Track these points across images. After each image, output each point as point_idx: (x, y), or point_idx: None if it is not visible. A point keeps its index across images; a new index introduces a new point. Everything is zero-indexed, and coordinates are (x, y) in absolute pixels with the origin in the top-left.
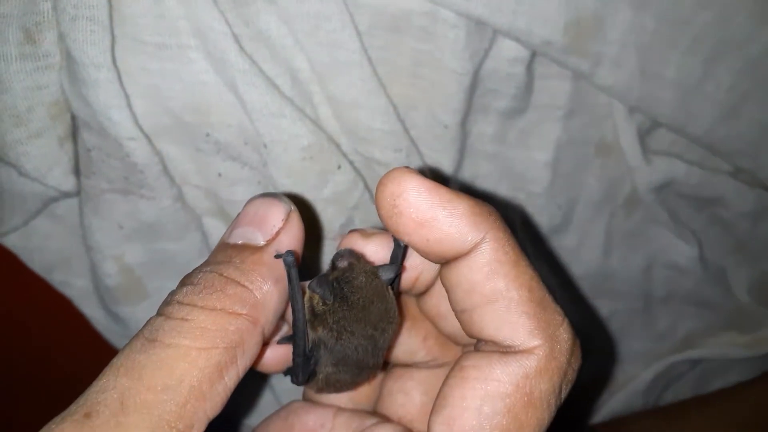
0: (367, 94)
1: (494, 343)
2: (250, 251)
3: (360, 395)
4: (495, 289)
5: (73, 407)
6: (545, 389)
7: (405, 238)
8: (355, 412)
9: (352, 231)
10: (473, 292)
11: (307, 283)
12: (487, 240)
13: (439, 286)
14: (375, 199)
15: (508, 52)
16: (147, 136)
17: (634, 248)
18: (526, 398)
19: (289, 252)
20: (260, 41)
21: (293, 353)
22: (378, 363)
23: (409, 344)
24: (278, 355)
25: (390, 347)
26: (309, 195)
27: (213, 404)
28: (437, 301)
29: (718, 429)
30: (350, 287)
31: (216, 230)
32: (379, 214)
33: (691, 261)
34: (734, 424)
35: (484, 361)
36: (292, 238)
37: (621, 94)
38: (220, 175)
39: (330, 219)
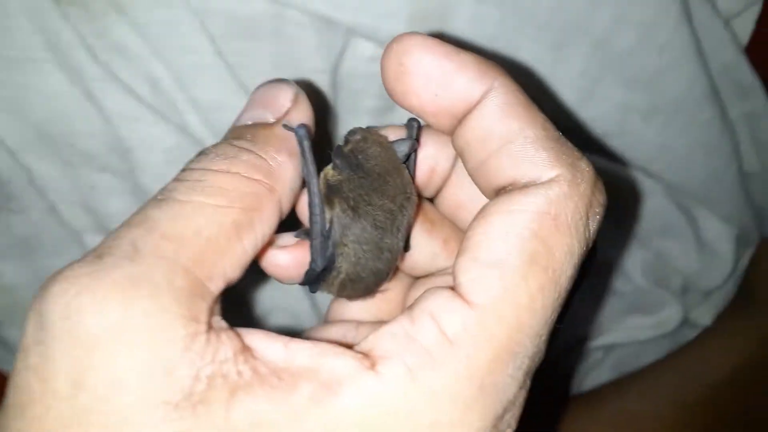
0: (230, 95)
1: (514, 183)
2: (262, 127)
3: (381, 309)
4: (510, 129)
5: (84, 254)
6: (571, 213)
7: (413, 100)
8: (377, 323)
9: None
10: (488, 138)
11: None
12: (496, 86)
13: (455, 176)
14: (381, 66)
15: (364, 51)
16: (11, 150)
17: None
18: (552, 221)
19: (302, 124)
20: (115, 52)
21: (311, 236)
22: (397, 245)
23: (431, 248)
24: (293, 259)
25: (408, 232)
26: None
27: (232, 265)
28: (455, 190)
29: (638, 412)
30: (365, 156)
31: None
32: (384, 81)
33: None
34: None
35: (504, 199)
36: (302, 116)
37: None
38: (92, 187)
39: None
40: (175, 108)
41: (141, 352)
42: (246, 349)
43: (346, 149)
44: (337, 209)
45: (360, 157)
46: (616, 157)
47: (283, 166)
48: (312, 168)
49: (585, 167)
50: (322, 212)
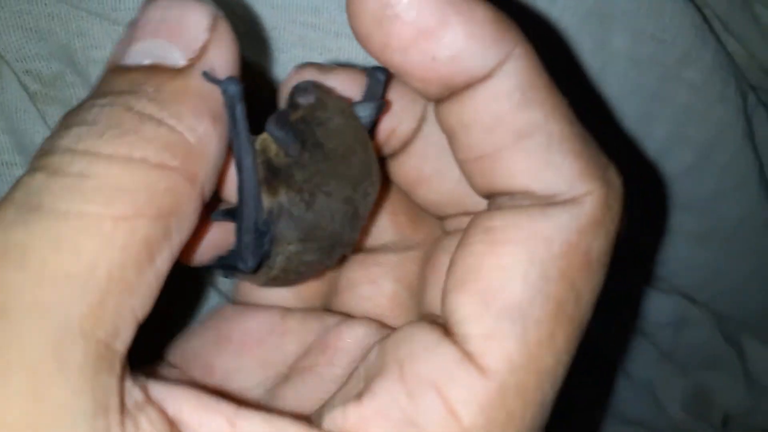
0: None
1: (528, 194)
2: (168, 75)
3: (308, 290)
4: (530, 120)
5: None
6: (602, 246)
7: (396, 57)
8: (308, 311)
9: (303, 65)
10: (498, 127)
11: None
12: (515, 56)
13: (419, 142)
14: (354, 15)
15: None
16: None
17: None
18: (582, 258)
19: (231, 77)
20: None
21: (238, 229)
22: (354, 239)
23: (379, 222)
24: (210, 239)
25: (369, 220)
26: None
27: (143, 299)
28: (418, 163)
29: None
30: (325, 131)
31: None
32: (356, 22)
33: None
34: None
35: (522, 218)
36: (226, 58)
37: None
38: None
39: None
40: None
41: None
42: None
43: (295, 117)
44: (283, 199)
45: (318, 132)
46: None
47: (205, 141)
48: (246, 141)
49: (615, 180)
50: (259, 200)
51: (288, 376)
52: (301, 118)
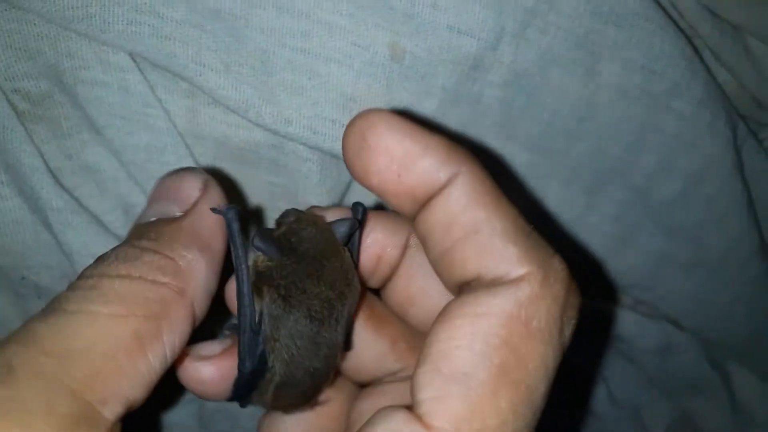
0: None
1: (479, 278)
2: (166, 223)
3: (323, 426)
4: (476, 218)
5: None
6: (544, 318)
7: (373, 179)
8: None
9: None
10: (452, 226)
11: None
12: (463, 172)
13: (405, 267)
14: (343, 139)
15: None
16: None
17: None
18: (522, 328)
19: (231, 206)
20: (86, 175)
21: (239, 331)
22: (338, 341)
23: (378, 348)
24: (218, 372)
25: (350, 326)
26: None
27: (134, 384)
28: (406, 282)
29: None
30: (298, 238)
31: None
32: (345, 157)
33: (600, 401)
34: None
35: (470, 299)
36: (216, 203)
37: None
38: None
39: None
40: None
41: None
42: None
43: (278, 233)
44: (267, 299)
45: (293, 239)
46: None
47: (193, 265)
48: (241, 253)
49: (558, 265)
50: (252, 303)
51: None
52: (282, 233)
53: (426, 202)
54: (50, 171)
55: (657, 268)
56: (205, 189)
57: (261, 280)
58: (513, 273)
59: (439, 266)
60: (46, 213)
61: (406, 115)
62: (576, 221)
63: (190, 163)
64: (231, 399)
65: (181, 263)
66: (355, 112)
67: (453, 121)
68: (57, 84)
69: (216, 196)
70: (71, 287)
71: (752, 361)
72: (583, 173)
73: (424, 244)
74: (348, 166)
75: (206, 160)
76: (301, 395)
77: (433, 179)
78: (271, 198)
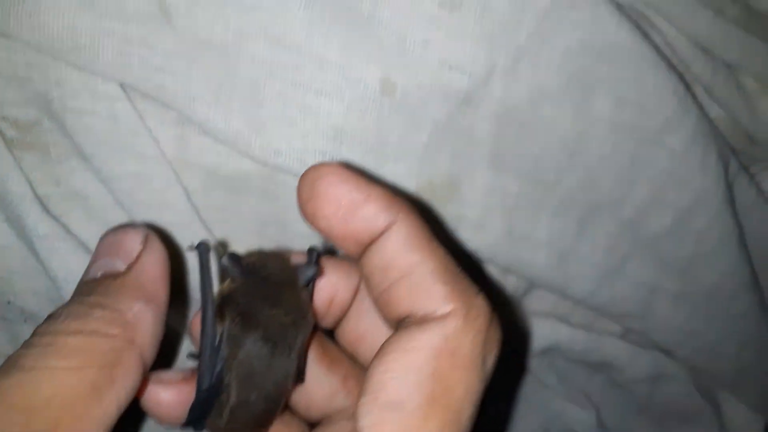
0: None
1: (411, 315)
2: (112, 278)
3: None
4: (410, 262)
5: None
6: (468, 349)
7: (322, 223)
8: None
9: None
10: (389, 268)
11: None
12: (401, 218)
13: (355, 308)
14: (297, 187)
15: None
16: None
17: (525, 416)
18: (450, 359)
19: (201, 241)
20: (74, 201)
21: (200, 351)
22: (290, 368)
23: (329, 386)
24: (176, 396)
25: (302, 358)
26: None
27: (93, 428)
28: (356, 322)
29: None
30: (262, 264)
31: None
32: (298, 202)
33: (589, 428)
34: None
35: (403, 335)
36: (156, 259)
37: (487, 256)
38: None
39: None
40: None
41: None
42: None
43: (245, 262)
44: (227, 320)
45: (257, 265)
46: None
47: (140, 315)
48: (209, 279)
49: (481, 303)
50: (213, 325)
51: None
52: (250, 263)
53: (368, 245)
54: (37, 198)
55: (647, 299)
56: (146, 242)
57: (224, 304)
58: (440, 310)
59: (379, 305)
60: (32, 239)
61: (352, 168)
62: (567, 251)
63: (178, 191)
64: (186, 423)
65: (128, 315)
66: (345, 144)
67: (444, 152)
68: (46, 112)
69: (157, 249)
70: (26, 345)
71: (742, 391)
72: (574, 205)
73: (367, 284)
74: (301, 211)
75: (195, 188)
76: (254, 420)
77: (374, 225)
78: (261, 227)
